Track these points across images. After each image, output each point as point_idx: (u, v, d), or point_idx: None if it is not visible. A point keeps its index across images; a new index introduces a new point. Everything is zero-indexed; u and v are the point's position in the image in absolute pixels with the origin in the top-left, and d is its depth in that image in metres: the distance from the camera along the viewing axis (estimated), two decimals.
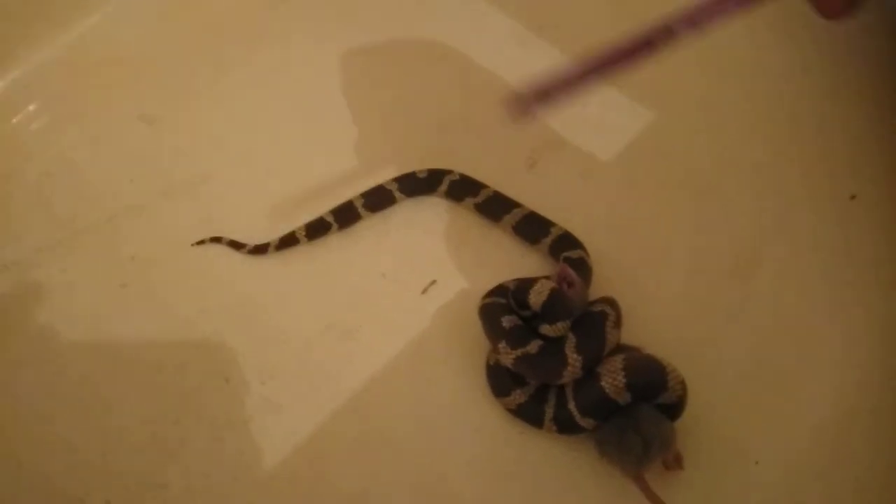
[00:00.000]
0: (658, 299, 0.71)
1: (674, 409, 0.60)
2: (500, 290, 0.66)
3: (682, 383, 0.60)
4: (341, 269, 0.75)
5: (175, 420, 0.68)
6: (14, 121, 0.84)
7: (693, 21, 0.39)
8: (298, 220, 0.76)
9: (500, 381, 0.65)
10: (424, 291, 0.73)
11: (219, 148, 0.81)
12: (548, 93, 0.45)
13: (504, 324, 0.62)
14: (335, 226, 0.75)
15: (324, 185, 0.78)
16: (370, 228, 0.77)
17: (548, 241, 0.71)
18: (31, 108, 0.84)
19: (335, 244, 0.76)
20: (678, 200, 0.77)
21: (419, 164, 0.78)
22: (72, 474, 0.65)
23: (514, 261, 0.74)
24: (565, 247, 0.70)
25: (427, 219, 0.77)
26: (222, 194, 0.79)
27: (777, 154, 0.79)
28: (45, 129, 0.84)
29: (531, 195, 0.75)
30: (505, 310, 0.63)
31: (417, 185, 0.77)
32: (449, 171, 0.77)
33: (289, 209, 0.76)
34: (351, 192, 0.77)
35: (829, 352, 0.68)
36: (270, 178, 0.79)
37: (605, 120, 0.82)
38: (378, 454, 0.66)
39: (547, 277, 0.65)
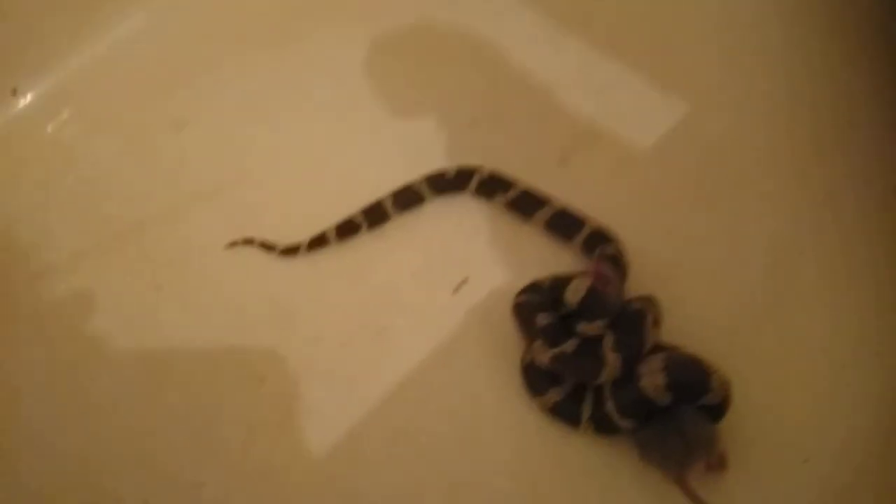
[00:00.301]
0: (696, 295, 0.69)
1: (717, 411, 0.58)
2: (534, 288, 0.65)
3: (726, 384, 0.58)
4: (372, 268, 0.74)
5: (211, 421, 0.68)
6: (49, 128, 0.85)
7: None
8: (328, 221, 0.75)
9: (536, 379, 0.64)
10: (456, 290, 0.72)
11: (249, 150, 0.81)
12: None
13: (539, 322, 0.61)
14: (365, 226, 0.75)
15: (353, 185, 0.77)
16: (400, 228, 0.76)
17: (581, 237, 0.70)
18: (65, 115, 0.85)
19: (365, 244, 0.75)
20: (715, 194, 0.75)
21: (448, 161, 0.77)
22: (110, 474, 0.66)
23: (546, 258, 0.72)
24: (599, 242, 0.69)
25: (457, 217, 0.76)
26: (253, 196, 0.79)
27: (818, 145, 0.76)
28: (79, 135, 0.84)
29: (563, 191, 0.74)
30: (540, 307, 0.62)
31: (447, 183, 0.76)
32: (478, 169, 0.76)
33: (318, 210, 0.76)
34: (380, 191, 0.76)
35: (878, 346, 0.65)
36: (300, 179, 0.79)
37: (638, 113, 0.80)
38: (412, 454, 0.66)
39: (583, 274, 0.64)
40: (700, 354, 0.60)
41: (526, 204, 0.73)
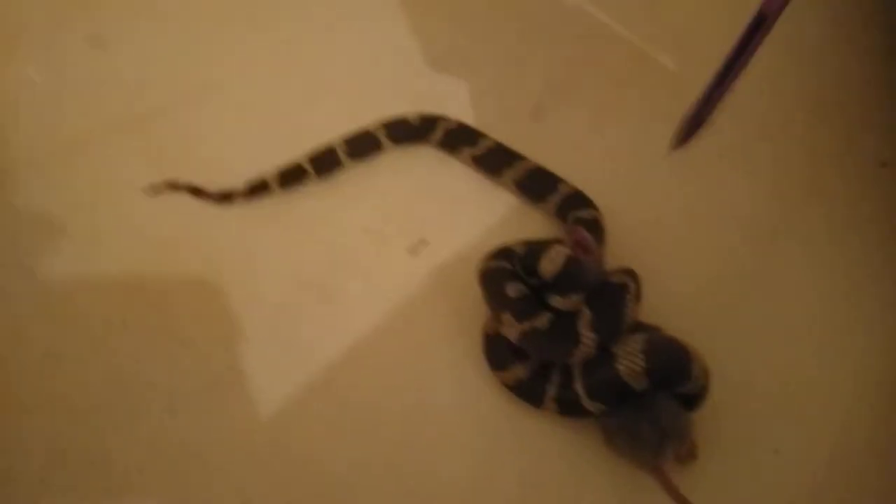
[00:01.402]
0: (674, 266, 0.65)
1: (693, 399, 0.54)
2: (505, 253, 0.58)
3: (707, 373, 0.53)
4: (319, 222, 0.67)
5: (124, 390, 0.59)
6: None
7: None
8: (270, 164, 0.67)
9: (499, 353, 0.58)
10: (414, 251, 0.65)
11: (179, 76, 0.71)
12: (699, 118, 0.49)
13: (509, 292, 0.54)
14: (312, 173, 0.67)
15: (301, 126, 0.69)
16: (353, 178, 0.68)
17: (555, 199, 0.64)
18: None
19: (312, 194, 0.68)
20: (698, 158, 0.70)
21: (410, 107, 0.70)
22: (2, 450, 0.57)
23: (514, 220, 0.67)
24: (575, 206, 0.63)
25: (418, 170, 0.69)
26: (183, 130, 0.69)
27: (806, 111, 0.72)
28: None
29: (536, 147, 0.68)
30: (510, 276, 0.55)
31: (408, 131, 0.69)
32: (444, 118, 0.69)
33: (260, 152, 0.67)
34: (332, 135, 0.68)
35: (858, 330, 0.62)
36: (238, 114, 0.70)
37: (619, 68, 0.75)
38: (359, 433, 0.59)
39: (559, 241, 0.58)
40: (679, 335, 0.55)
41: (495, 160, 0.67)
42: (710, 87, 0.51)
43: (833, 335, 0.63)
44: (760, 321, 0.63)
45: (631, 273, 0.56)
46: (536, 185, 0.65)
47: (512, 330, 0.54)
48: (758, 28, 0.47)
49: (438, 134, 0.68)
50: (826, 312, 0.63)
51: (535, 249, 0.55)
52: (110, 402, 0.58)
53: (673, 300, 0.61)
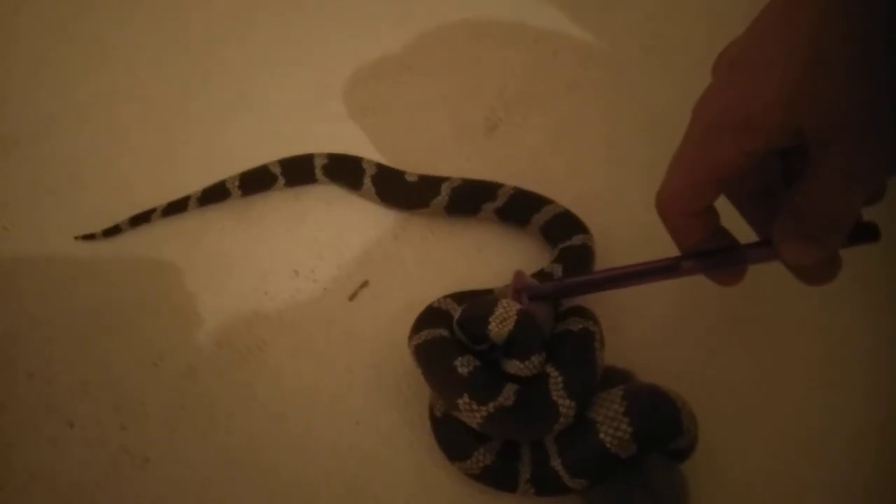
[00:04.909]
0: (647, 301, 0.55)
1: (683, 453, 0.46)
2: (434, 317, 0.48)
3: (694, 419, 0.45)
4: (238, 262, 0.56)
5: None
6: None
7: (704, 267, 0.44)
8: (192, 186, 0.57)
9: (455, 439, 0.47)
10: (353, 297, 0.55)
11: (65, 90, 0.61)
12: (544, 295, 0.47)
13: (461, 370, 0.44)
14: (238, 192, 0.57)
15: (225, 143, 0.60)
16: (279, 208, 0.58)
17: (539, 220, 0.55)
18: None
19: (230, 226, 0.57)
20: None
21: (348, 119, 0.62)
22: None
23: (471, 253, 0.57)
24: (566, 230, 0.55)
25: (353, 196, 0.59)
26: (61, 152, 0.59)
27: None
28: None
29: (491, 167, 0.59)
30: (454, 347, 0.45)
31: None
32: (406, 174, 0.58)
33: (173, 168, 0.58)
34: (247, 158, 0.58)
35: (858, 357, 0.54)
36: (132, 128, 0.61)
37: (583, 73, 0.65)
38: None
39: (490, 291, 0.49)
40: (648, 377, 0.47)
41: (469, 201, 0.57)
42: (581, 280, 0.47)
43: (832, 361, 0.54)
44: (744, 353, 0.54)
45: (589, 314, 0.47)
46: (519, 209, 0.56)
47: (474, 415, 0.43)
48: (667, 270, 0.44)
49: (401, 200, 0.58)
50: (824, 337, 0.55)
51: (476, 309, 0.45)
52: None
53: (643, 338, 0.53)
